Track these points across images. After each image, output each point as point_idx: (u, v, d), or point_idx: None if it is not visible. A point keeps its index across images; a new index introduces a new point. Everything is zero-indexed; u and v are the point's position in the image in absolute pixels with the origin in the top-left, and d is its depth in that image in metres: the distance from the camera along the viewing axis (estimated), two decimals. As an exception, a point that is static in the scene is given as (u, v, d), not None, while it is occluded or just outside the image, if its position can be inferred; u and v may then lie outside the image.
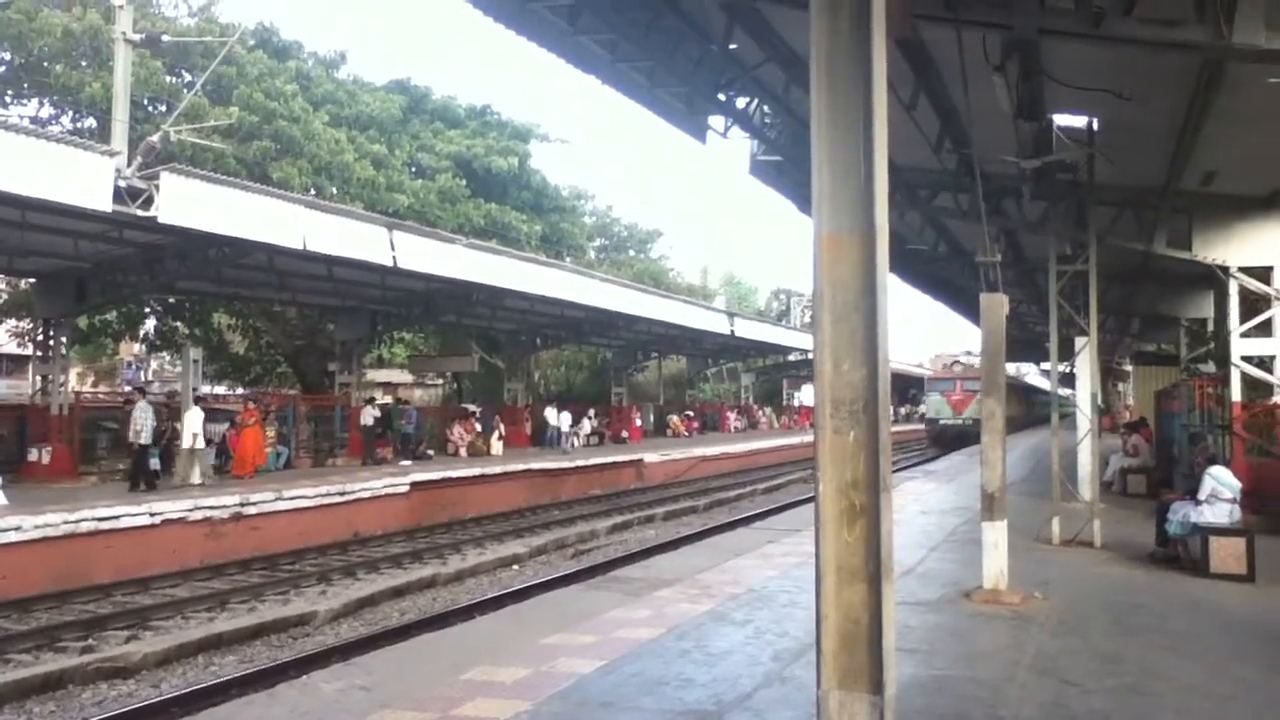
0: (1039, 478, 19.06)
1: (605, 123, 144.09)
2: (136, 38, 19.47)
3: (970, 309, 29.31)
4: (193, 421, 18.84)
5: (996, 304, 9.59)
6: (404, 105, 34.51)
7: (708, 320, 36.84)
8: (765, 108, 14.19)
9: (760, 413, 57.27)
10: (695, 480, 32.36)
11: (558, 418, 32.48)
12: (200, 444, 19.08)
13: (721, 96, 13.35)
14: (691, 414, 46.79)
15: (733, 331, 38.45)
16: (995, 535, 9.09)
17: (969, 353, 54.43)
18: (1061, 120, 11.55)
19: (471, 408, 32.44)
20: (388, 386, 47.53)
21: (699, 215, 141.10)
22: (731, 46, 11.70)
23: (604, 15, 11.25)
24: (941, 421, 45.58)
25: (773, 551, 12.19)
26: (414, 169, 33.45)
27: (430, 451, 27.21)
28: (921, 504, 17.16)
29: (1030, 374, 68.00)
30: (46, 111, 25.80)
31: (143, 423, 17.77)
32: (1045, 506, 13.30)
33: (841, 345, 3.82)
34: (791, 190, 17.76)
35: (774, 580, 10.13)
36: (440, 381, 49.71)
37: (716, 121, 14.54)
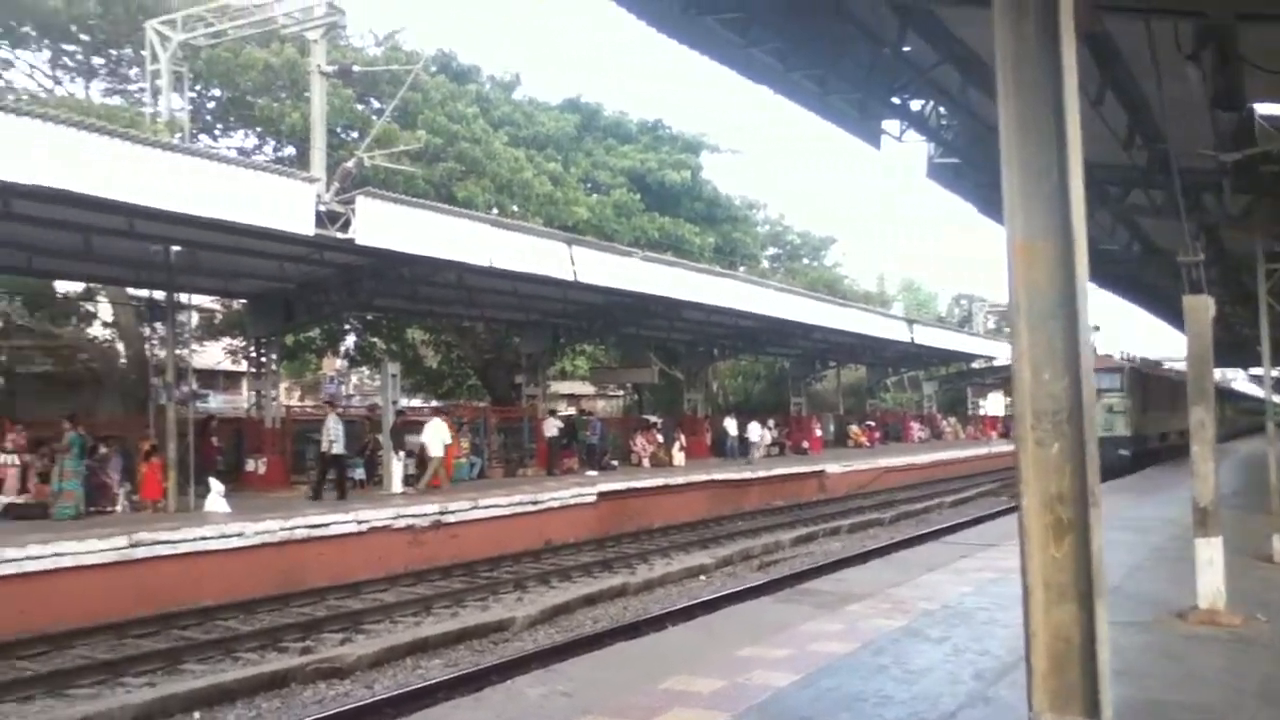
0: (1252, 491, 17.81)
1: (774, 133, 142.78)
2: (330, 69, 20.60)
3: (1167, 311, 27.63)
4: (441, 432, 20.25)
5: (1201, 306, 9.11)
6: (577, 123, 35.28)
7: (886, 328, 36.06)
8: (941, 109, 13.78)
9: (945, 422, 55.56)
10: (879, 492, 31.75)
11: (742, 428, 32.46)
12: (441, 452, 20.35)
13: (895, 100, 13.02)
14: (873, 424, 45.85)
15: (912, 339, 37.54)
16: (1210, 552, 8.58)
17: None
18: (1264, 109, 10.80)
19: (652, 419, 32.87)
20: (571, 398, 48.68)
21: (873, 222, 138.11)
22: (904, 49, 11.49)
23: (774, 25, 11.25)
24: None
25: (966, 567, 11.88)
26: (589, 185, 34.22)
27: (614, 462, 27.72)
28: (1119, 519, 16.25)
29: (1237, 379, 63.10)
30: (251, 142, 27.66)
31: (336, 433, 18.85)
32: (1262, 522, 12.45)
33: (1040, 354, 3.74)
34: (971, 192, 17.15)
35: (970, 596, 9.89)
36: (621, 393, 50.54)
37: (890, 126, 14.25)
